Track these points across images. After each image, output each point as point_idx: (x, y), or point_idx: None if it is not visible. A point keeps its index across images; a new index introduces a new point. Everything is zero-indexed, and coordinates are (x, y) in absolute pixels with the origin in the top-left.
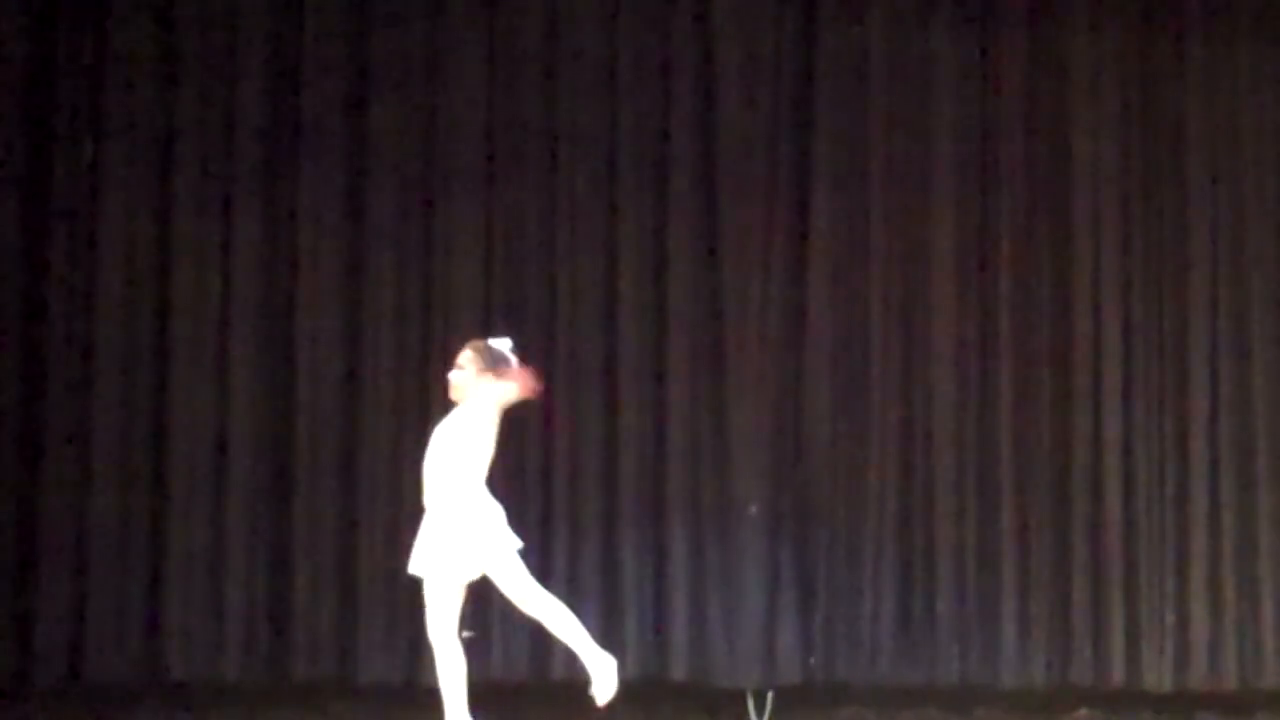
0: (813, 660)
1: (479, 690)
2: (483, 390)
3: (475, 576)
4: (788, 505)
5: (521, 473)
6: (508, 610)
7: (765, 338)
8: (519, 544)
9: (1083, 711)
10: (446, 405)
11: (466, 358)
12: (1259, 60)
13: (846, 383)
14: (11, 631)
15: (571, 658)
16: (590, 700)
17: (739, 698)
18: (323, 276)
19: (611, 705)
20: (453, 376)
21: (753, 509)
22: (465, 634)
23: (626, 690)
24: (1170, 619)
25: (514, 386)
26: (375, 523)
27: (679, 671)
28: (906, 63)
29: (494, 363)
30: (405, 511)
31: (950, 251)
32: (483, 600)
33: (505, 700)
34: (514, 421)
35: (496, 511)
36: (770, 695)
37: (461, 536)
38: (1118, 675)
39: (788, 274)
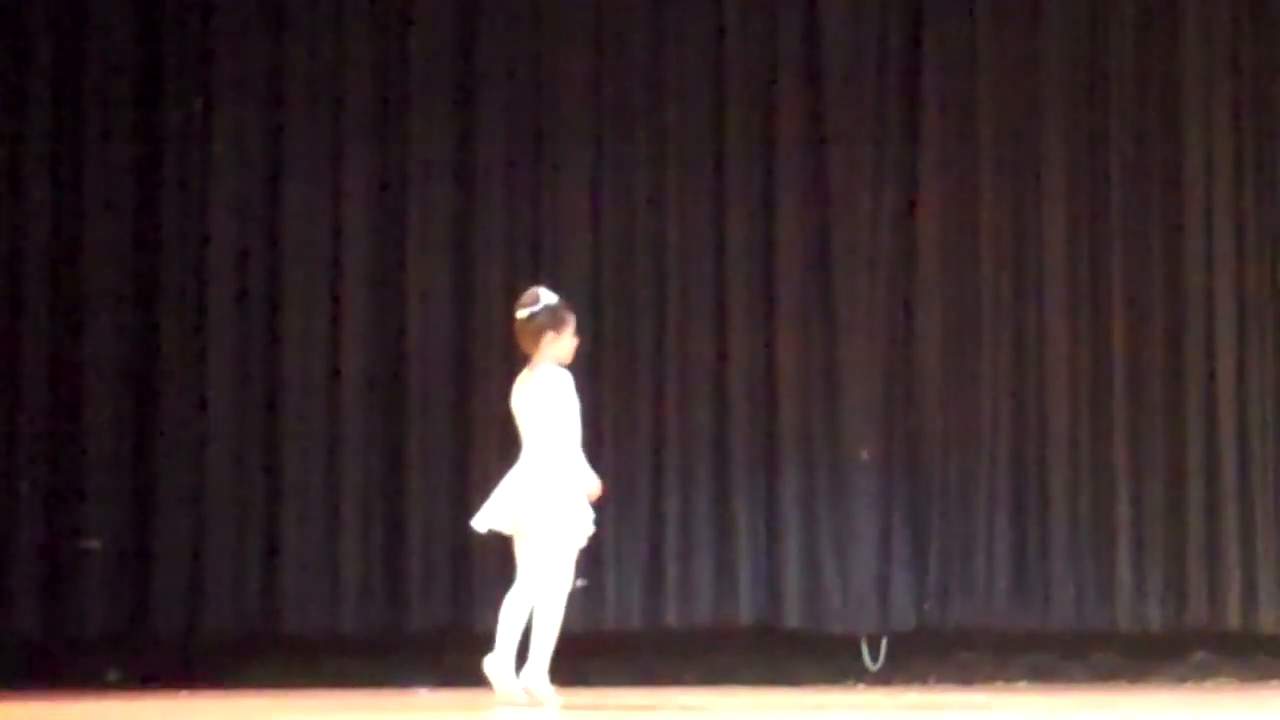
0: (927, 606)
1: (592, 639)
2: (561, 346)
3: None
4: (900, 451)
5: (634, 424)
6: (621, 560)
7: (875, 284)
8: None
9: (1199, 654)
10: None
11: (539, 310)
12: None
13: (957, 327)
14: (130, 584)
15: (686, 606)
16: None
17: (853, 644)
18: (433, 228)
19: (725, 652)
20: (530, 327)
21: (864, 455)
22: (579, 582)
23: (741, 637)
24: None
25: (573, 344)
26: (488, 475)
27: (792, 619)
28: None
29: (564, 318)
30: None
31: (1061, 184)
32: (595, 550)
33: (619, 648)
34: (625, 372)
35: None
36: (885, 641)
37: (560, 496)
38: (1233, 618)
39: (897, 218)
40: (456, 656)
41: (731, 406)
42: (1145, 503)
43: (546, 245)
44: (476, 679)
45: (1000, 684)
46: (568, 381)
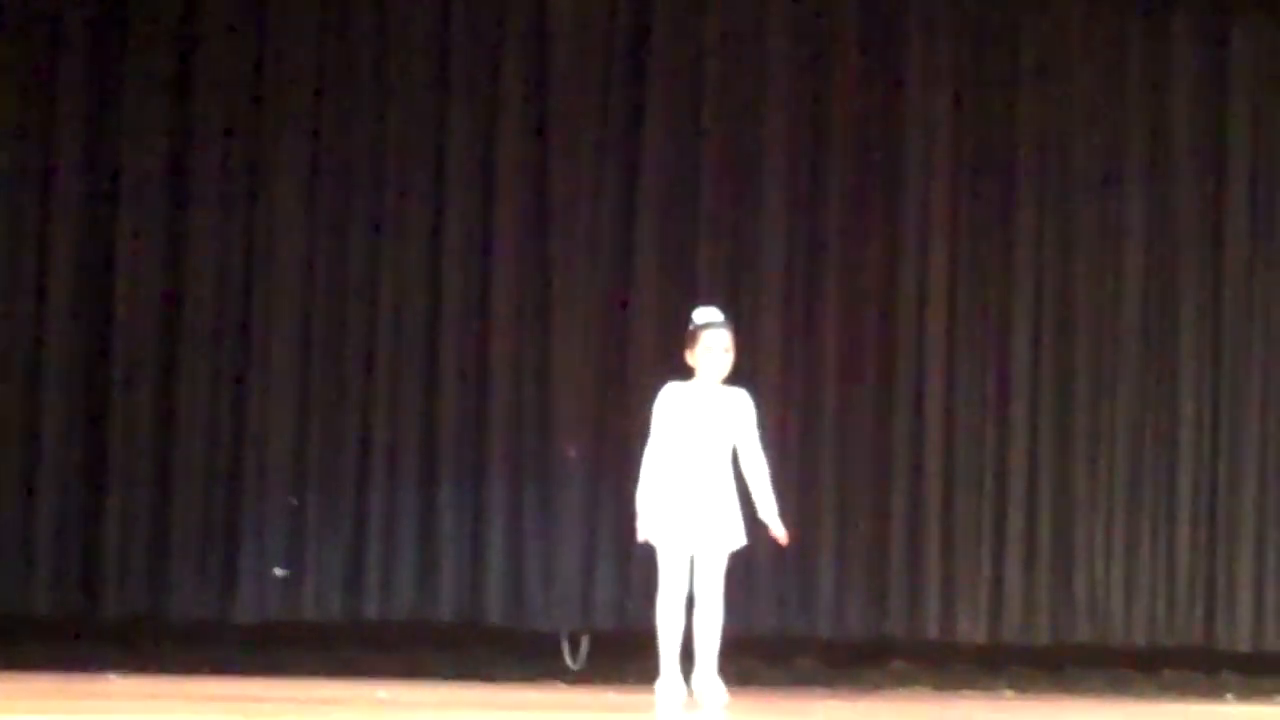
0: (629, 605)
1: (290, 629)
2: (693, 360)
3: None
4: (608, 449)
5: (340, 414)
6: (322, 550)
7: (591, 281)
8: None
9: (897, 663)
10: None
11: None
12: (1089, 35)
13: (671, 326)
14: None
15: (386, 599)
16: None
17: (555, 642)
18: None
19: (425, 646)
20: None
21: (571, 452)
22: (278, 571)
23: (441, 632)
24: (986, 573)
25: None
26: (190, 458)
27: (494, 615)
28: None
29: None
30: (222, 445)
31: (783, 170)
32: (297, 537)
33: (317, 639)
34: (332, 361)
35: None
36: (586, 640)
37: (727, 511)
38: (932, 627)
39: (615, 216)
40: (151, 644)
41: (440, 400)
42: (848, 513)
43: (260, 242)
44: (171, 666)
45: None
46: (666, 396)
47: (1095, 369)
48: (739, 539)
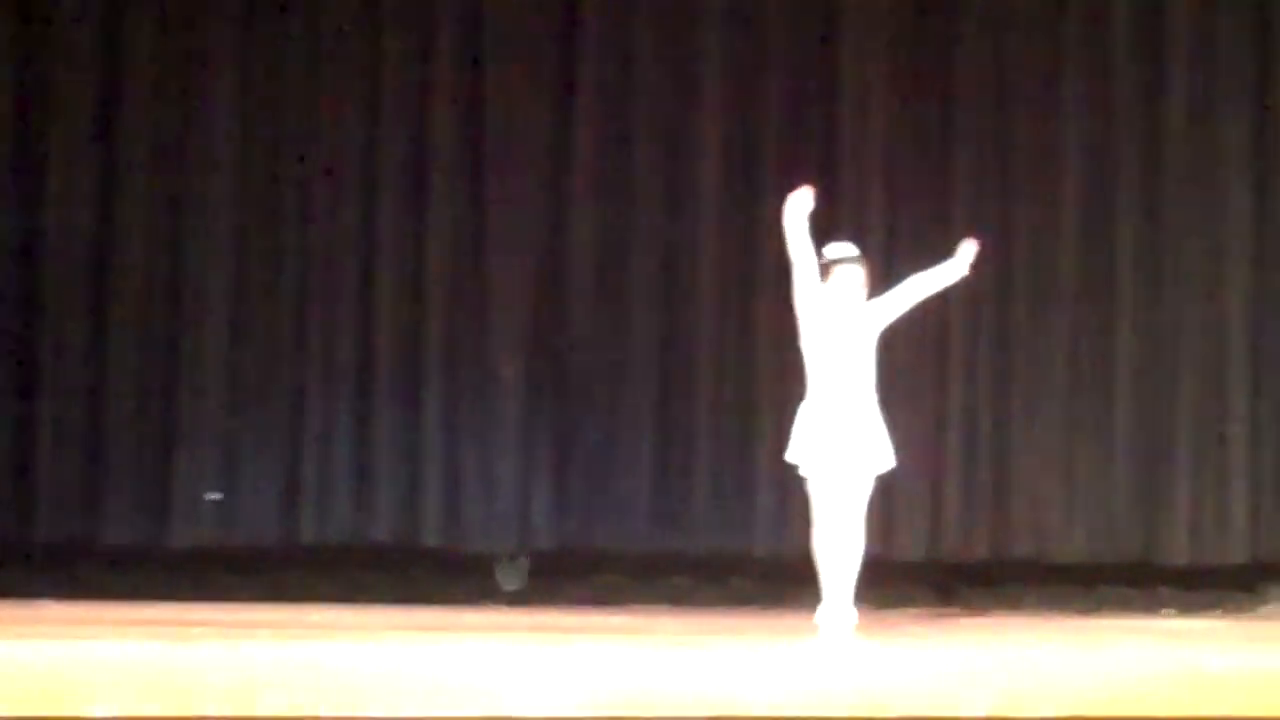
0: (568, 525)
1: (226, 554)
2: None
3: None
4: (545, 369)
5: (274, 335)
6: (257, 474)
7: (526, 196)
8: None
9: None
10: None
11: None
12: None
13: (607, 246)
14: None
15: (322, 521)
16: None
17: (493, 562)
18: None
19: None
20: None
21: (508, 371)
22: (211, 496)
23: (378, 554)
24: (924, 491)
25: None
26: (124, 379)
27: (432, 537)
28: None
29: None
30: (155, 370)
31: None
32: (231, 460)
33: (252, 563)
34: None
35: None
36: (525, 560)
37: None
38: (873, 543)
39: (552, 128)
40: (85, 569)
41: (375, 321)
42: (787, 429)
43: (193, 161)
44: (104, 591)
45: (638, 606)
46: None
47: (1032, 289)
48: (887, 461)
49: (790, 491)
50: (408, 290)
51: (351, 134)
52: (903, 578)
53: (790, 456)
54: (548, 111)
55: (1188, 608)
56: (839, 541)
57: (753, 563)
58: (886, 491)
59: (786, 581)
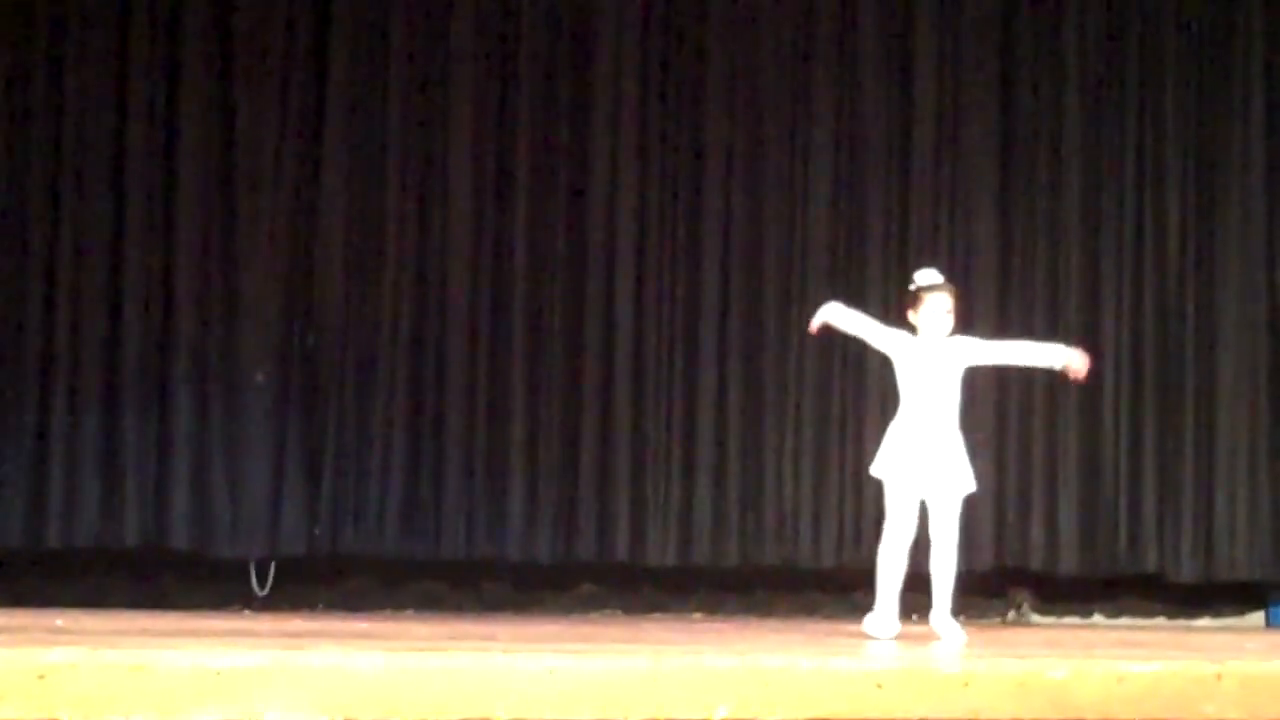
0: (317, 531)
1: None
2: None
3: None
4: (296, 373)
5: (18, 336)
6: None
7: (277, 204)
8: None
9: (586, 586)
10: None
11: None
12: None
13: (359, 251)
14: None
15: (69, 526)
16: None
17: (242, 568)
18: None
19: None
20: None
21: (260, 377)
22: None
23: (126, 559)
24: (676, 496)
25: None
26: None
27: (180, 540)
28: None
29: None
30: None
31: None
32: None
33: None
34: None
35: None
36: (273, 566)
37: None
38: (622, 551)
39: (302, 138)
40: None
41: (123, 321)
42: (539, 437)
43: None
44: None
45: (389, 611)
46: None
47: (784, 289)
48: (969, 484)
49: (540, 497)
50: (156, 294)
51: (101, 141)
52: (654, 584)
53: (875, 470)
54: (299, 122)
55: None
56: (902, 555)
57: (505, 568)
58: (637, 502)
59: (538, 587)
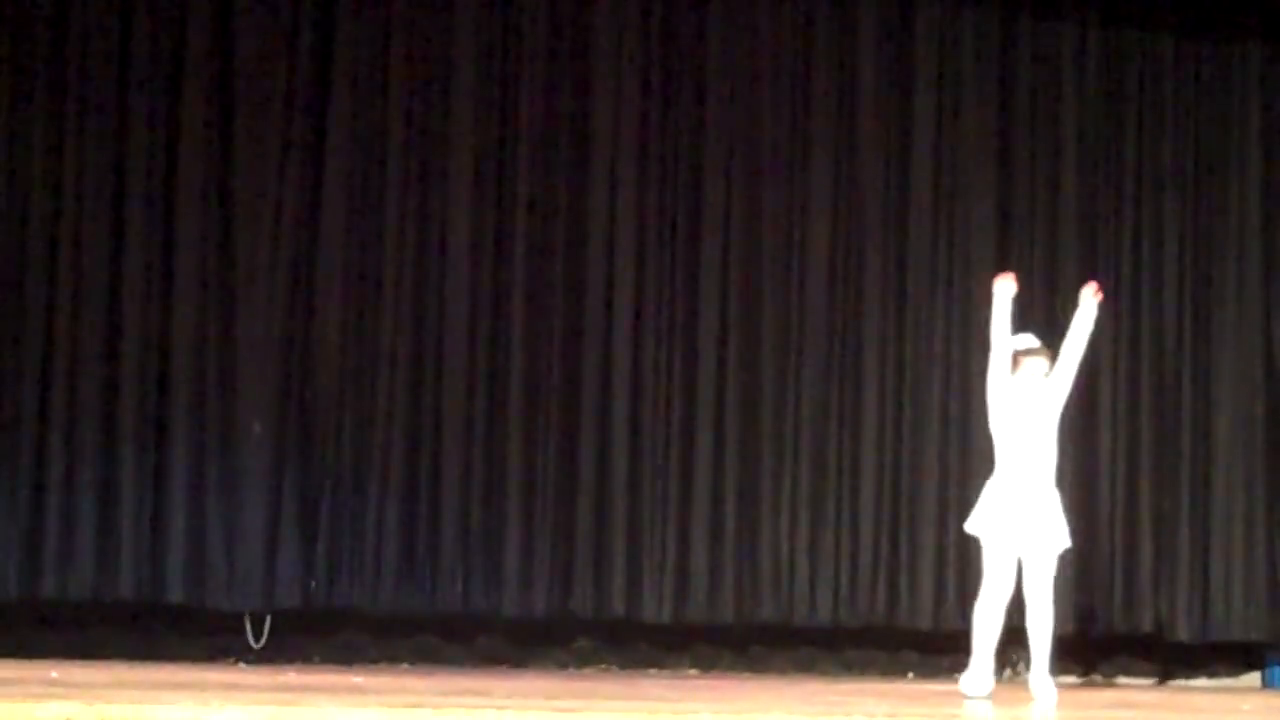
0: (313, 585)
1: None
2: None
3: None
4: (293, 427)
5: (17, 388)
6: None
7: (276, 258)
8: None
9: (582, 641)
10: None
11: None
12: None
13: (357, 305)
14: None
15: (64, 577)
16: None
17: (237, 621)
18: None
19: (105, 626)
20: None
21: (257, 428)
22: None
23: (121, 611)
24: (672, 552)
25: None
26: None
27: (175, 594)
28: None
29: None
30: None
31: (468, 168)
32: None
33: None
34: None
35: None
36: (268, 619)
37: (1052, 513)
38: (618, 606)
39: (301, 192)
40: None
41: (121, 374)
42: (535, 490)
43: None
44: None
45: (383, 665)
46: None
47: (781, 350)
48: (1064, 540)
49: (536, 552)
50: (154, 345)
51: (101, 183)
52: (650, 640)
53: (971, 528)
54: (297, 168)
55: (929, 671)
56: (998, 613)
57: (500, 622)
58: (633, 557)
59: (533, 641)
